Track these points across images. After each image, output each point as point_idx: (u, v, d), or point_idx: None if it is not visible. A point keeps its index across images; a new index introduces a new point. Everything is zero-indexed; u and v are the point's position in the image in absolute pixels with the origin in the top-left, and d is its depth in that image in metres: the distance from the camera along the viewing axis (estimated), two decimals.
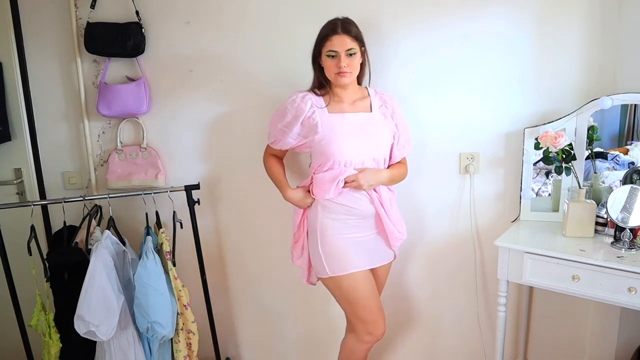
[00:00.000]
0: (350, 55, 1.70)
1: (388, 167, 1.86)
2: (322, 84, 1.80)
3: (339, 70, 1.70)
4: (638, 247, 1.70)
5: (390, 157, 1.86)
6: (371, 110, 1.81)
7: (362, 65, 1.80)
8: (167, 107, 2.17)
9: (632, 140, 2.02)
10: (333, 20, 1.73)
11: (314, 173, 1.82)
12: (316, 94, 1.80)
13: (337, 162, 1.75)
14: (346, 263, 1.78)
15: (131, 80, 2.12)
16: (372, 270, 1.87)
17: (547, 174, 2.10)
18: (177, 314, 1.99)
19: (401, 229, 1.88)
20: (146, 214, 2.04)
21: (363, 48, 1.77)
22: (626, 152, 2.02)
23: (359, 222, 1.80)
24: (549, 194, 2.09)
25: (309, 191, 1.85)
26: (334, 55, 1.70)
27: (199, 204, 2.07)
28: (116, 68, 2.13)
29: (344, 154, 1.74)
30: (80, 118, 2.19)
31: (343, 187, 1.75)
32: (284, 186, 1.90)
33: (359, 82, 1.85)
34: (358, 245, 1.80)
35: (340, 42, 1.69)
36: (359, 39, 1.73)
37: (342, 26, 1.71)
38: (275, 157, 1.96)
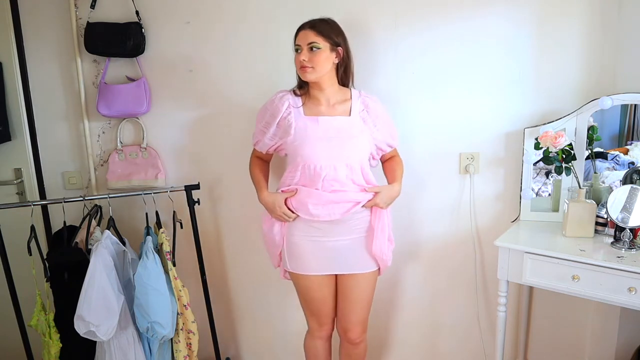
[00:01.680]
0: (312, 49, 1.67)
1: (389, 174, 1.89)
2: (301, 85, 1.80)
3: (300, 65, 1.68)
4: (638, 247, 1.70)
5: (379, 154, 1.87)
6: (350, 114, 1.77)
7: (340, 66, 1.76)
8: (167, 107, 2.17)
9: (632, 140, 2.02)
10: (309, 20, 1.73)
11: (287, 178, 1.79)
12: (295, 94, 1.79)
13: (306, 166, 1.72)
14: (302, 264, 1.80)
15: (131, 80, 2.12)
16: (342, 278, 1.84)
17: (547, 174, 2.10)
18: (177, 314, 1.99)
19: (386, 251, 1.82)
20: (146, 214, 2.04)
21: (340, 48, 1.72)
22: (626, 152, 2.02)
23: (332, 226, 1.76)
24: (549, 194, 2.09)
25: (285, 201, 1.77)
26: (298, 50, 1.70)
27: (199, 204, 2.07)
28: (116, 68, 2.13)
29: (313, 158, 1.71)
30: (80, 118, 2.19)
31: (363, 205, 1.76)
32: (261, 187, 1.86)
33: (345, 84, 1.81)
34: (322, 250, 1.78)
35: (303, 36, 1.69)
36: (326, 35, 1.69)
37: (310, 22, 1.71)
38: (260, 160, 1.94)
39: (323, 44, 1.68)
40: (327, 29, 1.70)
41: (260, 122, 1.82)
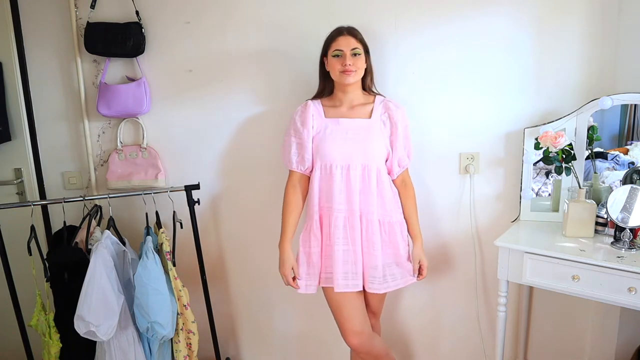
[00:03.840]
0: (355, 55, 1.75)
1: (406, 218, 1.87)
2: (324, 89, 1.87)
3: (344, 69, 1.73)
4: (638, 247, 1.70)
5: (392, 168, 1.84)
6: (370, 117, 1.81)
7: (367, 73, 1.84)
8: (167, 107, 2.17)
9: (632, 140, 2.02)
10: (339, 27, 1.80)
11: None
12: (316, 100, 1.86)
13: (324, 166, 1.78)
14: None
15: (131, 80, 2.12)
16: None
17: (547, 174, 2.10)
18: (177, 314, 1.99)
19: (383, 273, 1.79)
20: (146, 214, 2.04)
21: (367, 54, 1.81)
22: (626, 152, 2.02)
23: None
24: (549, 194, 2.09)
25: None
26: (339, 55, 1.75)
27: (199, 204, 2.07)
28: (116, 68, 2.13)
29: (330, 157, 1.76)
30: (80, 118, 2.19)
31: (418, 278, 1.87)
32: (285, 235, 1.85)
33: (367, 88, 1.87)
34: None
35: (346, 42, 1.75)
36: (362, 42, 1.78)
37: (347, 29, 1.78)
38: (296, 192, 1.87)
39: (362, 49, 1.77)
40: (360, 36, 1.79)
41: (294, 138, 1.83)
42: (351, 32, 1.77)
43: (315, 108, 1.84)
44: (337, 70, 1.75)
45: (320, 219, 1.81)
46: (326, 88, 1.87)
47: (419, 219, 1.88)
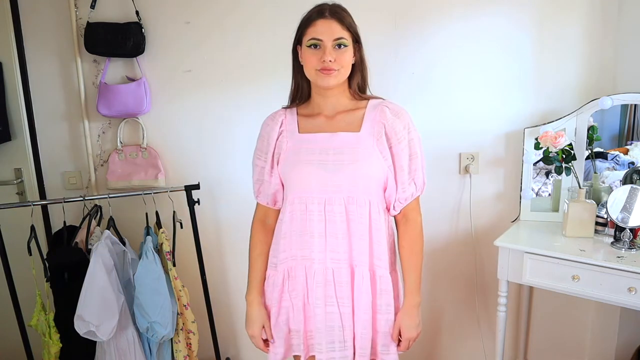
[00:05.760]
0: (340, 46, 1.25)
1: (403, 268, 1.37)
2: (297, 92, 1.37)
3: (322, 66, 1.24)
4: (638, 247, 1.70)
5: (392, 202, 1.34)
6: (360, 130, 1.30)
7: (357, 69, 1.34)
8: (167, 107, 2.17)
9: (632, 140, 2.02)
10: (320, 4, 1.29)
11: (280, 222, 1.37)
12: (292, 108, 1.38)
13: (296, 201, 1.30)
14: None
15: (131, 80, 2.12)
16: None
17: (547, 174, 2.10)
18: (177, 314, 1.99)
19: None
20: (146, 214, 2.04)
21: (358, 45, 1.32)
22: (626, 152, 2.02)
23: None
24: (549, 194, 2.09)
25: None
26: (316, 45, 1.25)
27: (199, 204, 2.07)
28: (116, 68, 2.13)
29: (303, 190, 1.29)
30: (80, 118, 2.19)
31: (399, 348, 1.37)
32: (252, 284, 1.45)
33: (362, 90, 1.38)
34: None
35: (327, 28, 1.23)
36: (352, 30, 1.28)
37: (331, 9, 1.26)
38: (263, 229, 1.44)
39: (349, 39, 1.27)
40: (349, 20, 1.28)
41: (258, 159, 1.38)
42: (336, 13, 1.25)
43: (288, 120, 1.35)
44: (313, 67, 1.25)
45: (291, 270, 1.35)
46: (300, 89, 1.36)
47: (419, 268, 1.36)
